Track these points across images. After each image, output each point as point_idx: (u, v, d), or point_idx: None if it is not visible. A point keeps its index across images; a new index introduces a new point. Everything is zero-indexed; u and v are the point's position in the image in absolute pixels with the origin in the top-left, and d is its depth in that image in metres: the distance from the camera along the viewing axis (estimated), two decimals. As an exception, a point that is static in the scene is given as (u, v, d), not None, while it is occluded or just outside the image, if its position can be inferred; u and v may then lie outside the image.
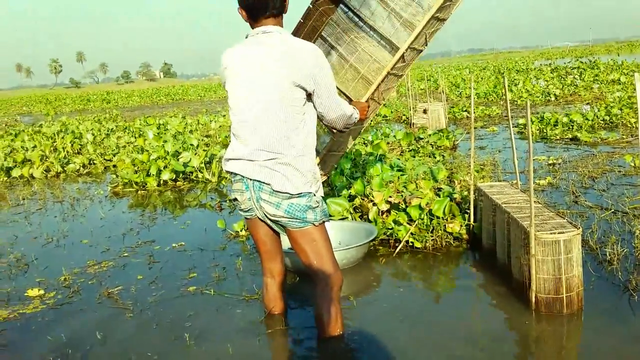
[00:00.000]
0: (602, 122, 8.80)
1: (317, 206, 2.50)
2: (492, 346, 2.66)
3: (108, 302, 3.49)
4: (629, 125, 8.41)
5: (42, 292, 3.71)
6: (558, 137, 7.96)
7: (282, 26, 2.46)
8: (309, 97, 2.44)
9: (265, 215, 2.52)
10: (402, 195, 4.34)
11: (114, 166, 8.47)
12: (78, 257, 4.43)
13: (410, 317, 3.00)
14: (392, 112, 12.80)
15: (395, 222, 4.08)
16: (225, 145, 9.82)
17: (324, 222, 2.56)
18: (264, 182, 2.41)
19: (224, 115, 15.22)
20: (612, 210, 4.35)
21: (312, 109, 2.49)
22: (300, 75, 2.34)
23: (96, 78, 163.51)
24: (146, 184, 6.95)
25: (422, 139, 8.16)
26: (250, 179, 2.43)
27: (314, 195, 2.49)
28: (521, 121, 9.24)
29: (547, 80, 17.13)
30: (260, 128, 2.40)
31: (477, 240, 3.90)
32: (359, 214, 4.43)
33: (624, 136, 7.58)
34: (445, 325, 2.88)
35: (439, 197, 4.22)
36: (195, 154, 7.29)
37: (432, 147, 7.66)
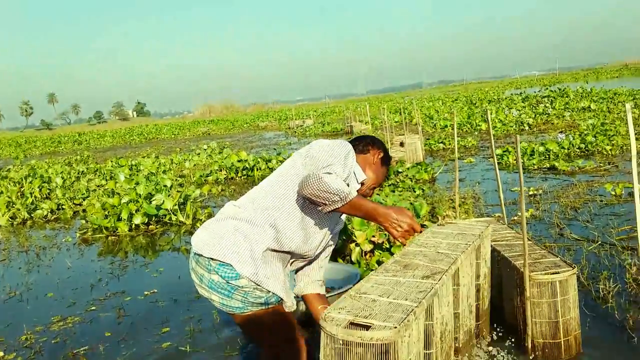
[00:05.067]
0: (577, 150, 8.83)
1: (249, 290, 2.02)
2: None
3: (73, 364, 3.22)
4: (605, 153, 8.44)
5: (0, 353, 3.42)
6: (536, 167, 7.92)
7: (360, 163, 2.31)
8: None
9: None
10: (385, 234, 4.17)
11: (84, 211, 8.17)
12: (42, 313, 4.15)
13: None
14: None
15: (380, 263, 3.91)
16: (199, 185, 9.59)
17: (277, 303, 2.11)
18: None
19: (199, 154, 15.01)
20: (599, 242, 4.25)
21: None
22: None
23: (68, 119, 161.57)
24: (117, 229, 6.67)
25: (400, 172, 8.06)
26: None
27: (247, 279, 1.99)
28: (498, 151, 9.22)
29: (519, 110, 17.35)
30: None
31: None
32: (342, 255, 4.25)
33: (601, 164, 7.58)
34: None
35: (423, 235, 4.06)
36: (169, 196, 7.05)
37: (411, 181, 7.55)
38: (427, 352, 1.89)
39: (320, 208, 1.97)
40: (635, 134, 9.49)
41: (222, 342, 3.29)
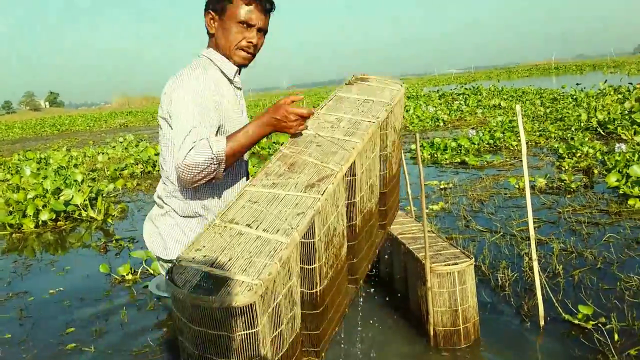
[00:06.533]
0: (487, 145, 9.26)
1: None
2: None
3: (-33, 369, 3.04)
4: (511, 148, 8.91)
5: None
6: (448, 162, 8.25)
7: (212, 46, 2.01)
8: None
9: None
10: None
11: (-14, 207, 7.68)
12: None
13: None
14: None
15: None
16: (114, 179, 9.25)
17: None
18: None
19: (114, 147, 14.48)
20: (501, 233, 4.49)
21: None
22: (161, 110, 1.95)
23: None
24: (22, 226, 6.33)
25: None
26: None
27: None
28: (413, 146, 9.50)
29: (435, 106, 17.96)
30: None
31: (375, 271, 3.84)
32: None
33: (507, 159, 8.00)
34: (346, 367, 2.75)
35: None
36: (79, 191, 6.76)
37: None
38: (309, 267, 1.62)
39: (213, 181, 1.81)
40: (540, 130, 10.09)
41: (130, 341, 3.21)
